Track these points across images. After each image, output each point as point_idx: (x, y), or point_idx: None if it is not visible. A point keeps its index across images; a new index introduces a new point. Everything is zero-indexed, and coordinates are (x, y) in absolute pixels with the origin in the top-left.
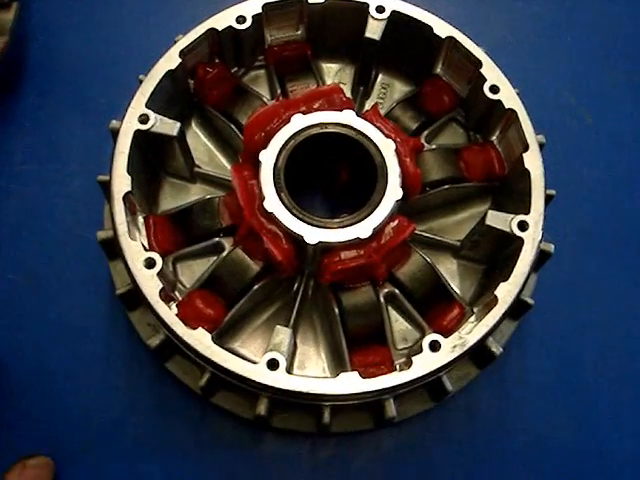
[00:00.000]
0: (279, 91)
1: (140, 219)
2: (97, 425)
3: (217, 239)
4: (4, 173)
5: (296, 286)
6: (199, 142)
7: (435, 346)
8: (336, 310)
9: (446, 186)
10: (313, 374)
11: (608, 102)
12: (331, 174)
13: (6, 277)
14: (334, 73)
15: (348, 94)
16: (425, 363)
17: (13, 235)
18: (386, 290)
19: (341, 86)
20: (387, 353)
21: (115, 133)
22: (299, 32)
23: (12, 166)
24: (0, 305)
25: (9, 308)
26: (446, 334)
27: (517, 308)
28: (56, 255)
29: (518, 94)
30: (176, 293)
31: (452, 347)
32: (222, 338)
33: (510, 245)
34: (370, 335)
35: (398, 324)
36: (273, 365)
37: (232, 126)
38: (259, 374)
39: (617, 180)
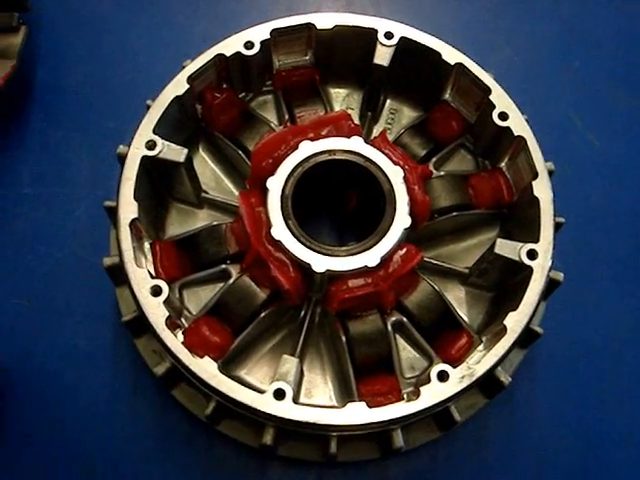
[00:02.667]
0: (287, 116)
1: (147, 245)
2: (101, 451)
3: (224, 266)
4: (11, 196)
5: (303, 313)
6: (206, 167)
7: (443, 376)
8: (343, 338)
9: (454, 213)
10: (320, 402)
11: (616, 125)
12: (339, 200)
13: (12, 301)
14: (342, 98)
15: (356, 119)
16: (433, 394)
17: (19, 259)
18: (394, 318)
19: (349, 111)
20: (394, 382)
21: (122, 158)
22: (307, 57)
23: (19, 189)
24: (5, 329)
25: (14, 332)
26: (454, 363)
27: (526, 337)
28: (62, 279)
29: (527, 120)
30: (182, 320)
31: (460, 377)
32: (228, 365)
33: (519, 273)
34: (377, 363)
35: (406, 352)
36: (280, 395)
37: (239, 152)
38: (266, 404)
39: (625, 204)
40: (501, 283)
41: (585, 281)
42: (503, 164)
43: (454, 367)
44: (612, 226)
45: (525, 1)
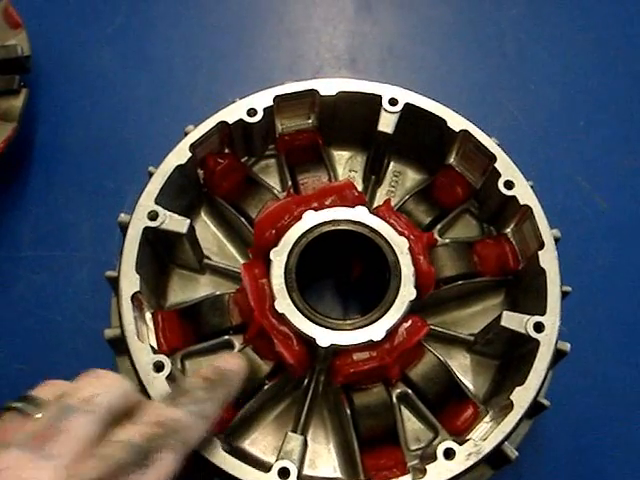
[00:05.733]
0: (290, 182)
1: (148, 315)
2: None
3: (227, 337)
4: (11, 258)
5: (306, 383)
6: (208, 231)
7: (449, 454)
8: (348, 410)
9: (460, 282)
10: (324, 473)
11: (623, 187)
12: (343, 269)
13: (13, 366)
14: (345, 160)
15: (359, 182)
16: (439, 472)
17: (20, 322)
18: (399, 390)
19: (352, 174)
20: (400, 455)
21: (124, 227)
22: (310, 121)
23: (19, 252)
24: (6, 395)
25: (12, 397)
26: (460, 435)
27: (533, 409)
28: (62, 345)
29: (532, 187)
30: None
31: (467, 455)
32: (231, 437)
33: (526, 345)
34: (382, 435)
35: (411, 423)
36: (284, 474)
37: (242, 219)
38: None
39: (633, 268)
40: (507, 352)
41: (592, 348)
42: (509, 230)
43: (460, 443)
44: (619, 292)
45: (531, 61)
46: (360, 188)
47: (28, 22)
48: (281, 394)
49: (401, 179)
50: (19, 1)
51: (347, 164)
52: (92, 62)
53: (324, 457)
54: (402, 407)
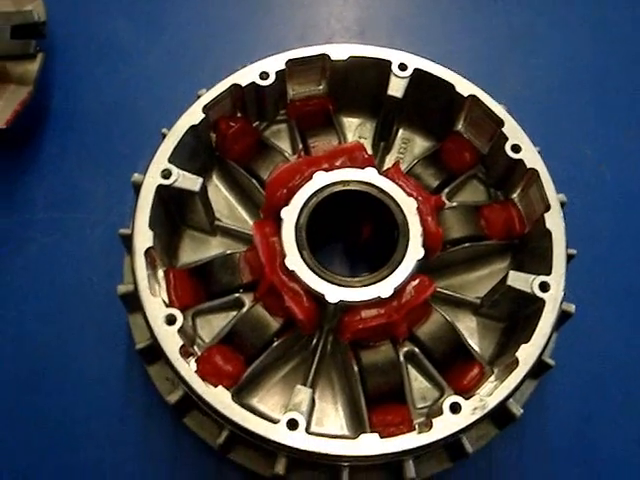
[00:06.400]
0: (300, 146)
1: (160, 273)
2: (112, 478)
3: (237, 295)
4: (25, 222)
5: (315, 342)
6: (220, 195)
7: (455, 408)
8: (355, 368)
9: (467, 244)
10: (331, 431)
11: (628, 157)
12: (352, 230)
13: (26, 326)
14: (355, 127)
15: (369, 148)
16: (445, 425)
17: (34, 283)
18: (406, 349)
19: (362, 140)
20: (406, 412)
21: (137, 187)
22: (321, 87)
23: (33, 215)
24: (19, 354)
25: (28, 357)
26: (466, 394)
27: (538, 368)
28: (75, 305)
29: (539, 152)
30: (195, 348)
31: (473, 409)
32: (240, 394)
33: (531, 305)
34: (389, 393)
35: (417, 382)
36: (293, 425)
37: (253, 181)
38: (279, 434)
39: (637, 235)
40: (513, 314)
41: (597, 312)
42: (515, 195)
43: (466, 399)
44: (624, 257)
45: (538, 33)
46: (370, 153)
47: None
48: (290, 353)
49: (410, 146)
50: None
51: (357, 131)
52: (107, 30)
53: (331, 416)
54: (409, 366)
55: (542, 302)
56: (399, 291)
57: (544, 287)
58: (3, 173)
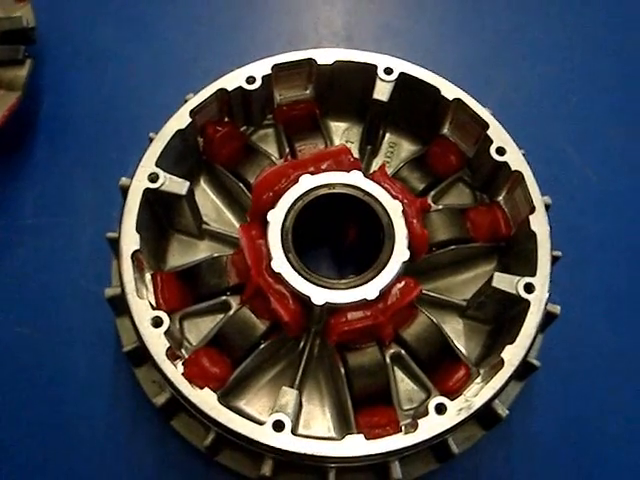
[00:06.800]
0: (287, 150)
1: (147, 276)
2: None
3: (224, 297)
4: (14, 226)
5: (302, 345)
6: (207, 199)
7: (441, 409)
8: (342, 370)
9: (452, 247)
10: (318, 433)
11: (613, 160)
12: (338, 233)
13: (14, 330)
14: (342, 131)
15: (355, 153)
16: (431, 426)
17: (22, 287)
18: (392, 350)
19: (348, 145)
20: (393, 414)
21: (125, 190)
22: (308, 91)
23: (22, 219)
24: (7, 357)
25: (15, 360)
26: (452, 395)
27: (523, 369)
28: (63, 308)
29: (524, 155)
30: (182, 351)
31: (458, 410)
32: (227, 396)
33: (516, 306)
34: (376, 395)
35: (404, 384)
36: (279, 427)
37: (240, 185)
38: (265, 436)
39: (621, 238)
40: (499, 316)
41: (581, 314)
42: (501, 198)
43: (452, 399)
44: (609, 259)
45: (525, 37)
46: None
47: None
48: (277, 356)
49: (396, 150)
50: None
51: (344, 135)
52: (95, 35)
53: (318, 418)
54: (395, 368)
55: (527, 303)
56: (385, 293)
57: (529, 288)
58: None
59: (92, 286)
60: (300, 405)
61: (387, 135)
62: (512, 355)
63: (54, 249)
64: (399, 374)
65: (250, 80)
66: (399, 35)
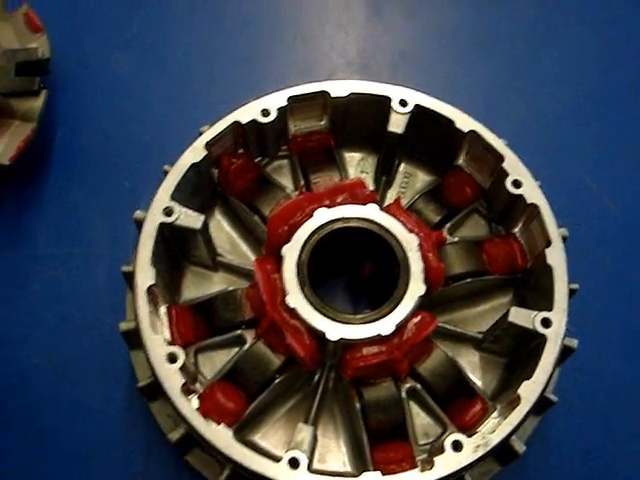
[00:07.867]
0: (302, 182)
1: (162, 309)
2: None
3: (239, 331)
4: (29, 256)
5: (317, 378)
6: (222, 230)
7: (457, 446)
8: (357, 405)
9: (468, 279)
10: (334, 468)
11: (632, 190)
12: (354, 267)
13: (30, 361)
14: (356, 162)
15: (370, 183)
16: (447, 463)
17: (37, 319)
18: (408, 385)
19: (363, 175)
20: (408, 449)
21: (139, 224)
22: (322, 122)
23: (37, 250)
24: (22, 389)
25: (31, 392)
26: (468, 430)
27: (540, 404)
28: (78, 340)
29: (540, 187)
30: (197, 385)
31: (475, 447)
32: (243, 430)
33: (533, 341)
34: (391, 430)
35: (420, 419)
36: (294, 464)
37: (255, 217)
38: (281, 473)
39: None
40: (515, 349)
41: (600, 347)
42: (517, 230)
43: (468, 436)
44: (627, 291)
45: (542, 64)
46: (371, 189)
47: (49, 26)
48: (292, 389)
49: (411, 180)
50: (41, 6)
51: (358, 165)
52: (110, 65)
53: (334, 452)
54: (411, 402)
55: (544, 338)
56: (400, 328)
57: (546, 323)
58: (8, 209)
59: (107, 317)
60: (315, 440)
61: (402, 165)
62: (529, 391)
63: (69, 280)
64: (415, 408)
65: (265, 113)
66: (414, 63)
